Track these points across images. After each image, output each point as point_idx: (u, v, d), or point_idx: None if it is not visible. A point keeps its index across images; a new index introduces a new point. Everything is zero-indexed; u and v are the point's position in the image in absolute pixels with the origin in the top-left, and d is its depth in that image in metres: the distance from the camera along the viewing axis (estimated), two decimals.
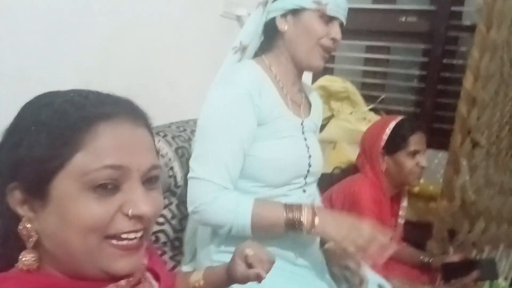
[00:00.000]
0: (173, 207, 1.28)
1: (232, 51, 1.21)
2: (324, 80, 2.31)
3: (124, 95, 0.63)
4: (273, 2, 1.16)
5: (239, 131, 1.08)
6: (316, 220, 1.05)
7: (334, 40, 1.15)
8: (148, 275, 0.70)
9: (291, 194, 1.17)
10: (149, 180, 0.60)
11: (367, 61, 2.46)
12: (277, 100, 1.15)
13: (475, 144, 1.74)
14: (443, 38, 2.21)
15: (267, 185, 1.14)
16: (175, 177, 1.26)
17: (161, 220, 1.25)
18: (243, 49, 1.21)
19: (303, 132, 1.21)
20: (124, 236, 0.57)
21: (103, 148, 0.55)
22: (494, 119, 1.75)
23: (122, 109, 0.59)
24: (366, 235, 1.03)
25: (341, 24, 1.17)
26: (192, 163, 1.11)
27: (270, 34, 1.20)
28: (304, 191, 1.21)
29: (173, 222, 1.28)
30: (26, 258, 0.57)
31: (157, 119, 1.38)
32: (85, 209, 0.54)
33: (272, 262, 0.84)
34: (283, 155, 1.14)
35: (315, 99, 1.35)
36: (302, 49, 1.15)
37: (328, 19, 1.13)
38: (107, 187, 0.55)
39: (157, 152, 0.66)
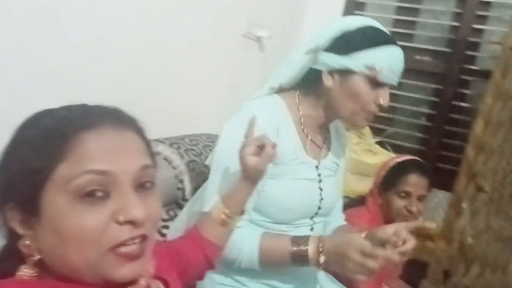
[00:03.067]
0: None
1: (268, 89, 1.15)
2: None
3: (112, 104, 0.62)
4: (323, 52, 1.08)
5: None
6: (322, 256, 1.02)
7: (380, 106, 1.08)
8: (157, 283, 0.68)
9: (297, 232, 1.13)
10: (142, 185, 0.59)
11: None
12: (295, 142, 1.12)
13: (478, 189, 1.75)
14: (455, 80, 2.24)
15: (273, 222, 1.12)
16: (184, 190, 1.27)
17: (164, 231, 1.25)
18: (279, 87, 1.16)
19: (318, 175, 1.18)
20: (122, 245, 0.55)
21: (85, 155, 0.54)
22: (500, 166, 1.76)
23: (107, 117, 0.59)
24: (370, 265, 0.94)
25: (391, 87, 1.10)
26: None
27: (313, 80, 1.12)
28: (312, 229, 1.19)
29: None
30: (25, 272, 0.56)
31: (174, 129, 1.42)
32: (76, 221, 0.53)
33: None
34: (292, 197, 1.12)
35: (340, 134, 1.31)
36: (347, 110, 1.10)
37: (378, 83, 1.06)
38: (96, 195, 0.54)
39: (153, 154, 0.64)
